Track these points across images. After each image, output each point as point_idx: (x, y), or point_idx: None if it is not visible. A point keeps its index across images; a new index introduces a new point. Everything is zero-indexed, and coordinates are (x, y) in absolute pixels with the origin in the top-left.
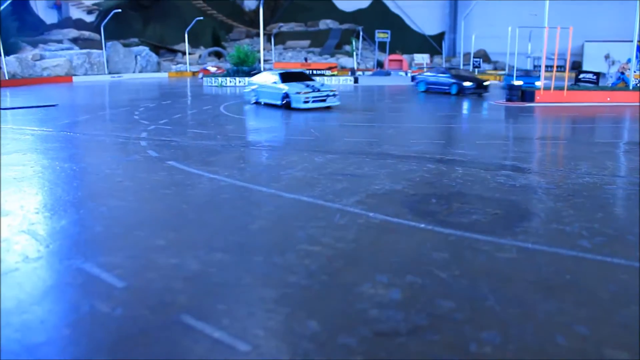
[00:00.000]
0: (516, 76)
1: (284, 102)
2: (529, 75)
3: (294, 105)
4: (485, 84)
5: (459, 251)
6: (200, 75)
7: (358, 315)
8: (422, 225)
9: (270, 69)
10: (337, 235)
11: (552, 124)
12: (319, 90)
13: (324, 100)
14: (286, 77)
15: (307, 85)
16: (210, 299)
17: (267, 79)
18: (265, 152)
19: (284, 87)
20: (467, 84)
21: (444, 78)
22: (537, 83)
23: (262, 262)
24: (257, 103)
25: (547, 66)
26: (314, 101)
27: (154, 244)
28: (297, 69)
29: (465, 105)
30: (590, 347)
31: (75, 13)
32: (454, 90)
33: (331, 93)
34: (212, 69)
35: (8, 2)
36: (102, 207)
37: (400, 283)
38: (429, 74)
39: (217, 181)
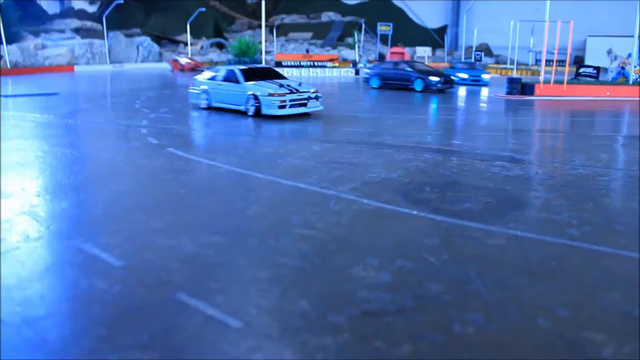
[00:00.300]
0: (460, 69)
1: (250, 107)
2: (473, 68)
3: (265, 111)
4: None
5: (449, 237)
6: (170, 68)
7: (348, 296)
8: (415, 212)
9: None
10: (331, 220)
11: (549, 116)
12: (297, 92)
13: (304, 105)
14: (250, 73)
15: (282, 85)
16: (205, 278)
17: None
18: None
19: (250, 88)
20: (433, 79)
21: (405, 72)
22: (484, 76)
23: (257, 244)
24: (209, 108)
25: (548, 60)
26: (292, 106)
27: (152, 226)
28: (296, 60)
29: (465, 98)
30: (570, 329)
31: (78, 3)
32: (418, 86)
33: (312, 95)
34: (184, 61)
35: None
36: (102, 191)
37: (390, 267)
38: (386, 66)
39: (215, 167)
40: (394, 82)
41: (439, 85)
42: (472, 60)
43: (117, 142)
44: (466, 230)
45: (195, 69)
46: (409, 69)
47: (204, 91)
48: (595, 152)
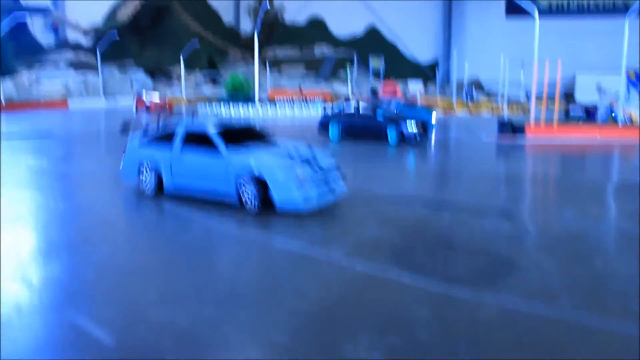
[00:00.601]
0: (398, 109)
1: (249, 196)
2: (412, 106)
3: (282, 203)
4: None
5: (441, 310)
6: (135, 108)
7: None
8: (406, 279)
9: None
10: (323, 289)
11: (540, 163)
12: (319, 168)
13: (332, 190)
14: (228, 135)
15: (291, 156)
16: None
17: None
18: None
19: (242, 161)
20: (411, 126)
21: (372, 118)
22: (433, 118)
23: (249, 317)
24: (158, 193)
25: (538, 98)
26: (319, 193)
27: (145, 296)
28: (289, 96)
29: (453, 150)
30: None
31: (72, 36)
32: (391, 137)
33: (334, 169)
34: (150, 100)
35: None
36: (95, 252)
37: (381, 345)
38: (352, 108)
39: (208, 224)
40: (360, 131)
41: (416, 135)
42: (464, 95)
43: (111, 192)
44: (458, 301)
45: (163, 111)
46: (376, 113)
47: (151, 160)
48: (587, 205)
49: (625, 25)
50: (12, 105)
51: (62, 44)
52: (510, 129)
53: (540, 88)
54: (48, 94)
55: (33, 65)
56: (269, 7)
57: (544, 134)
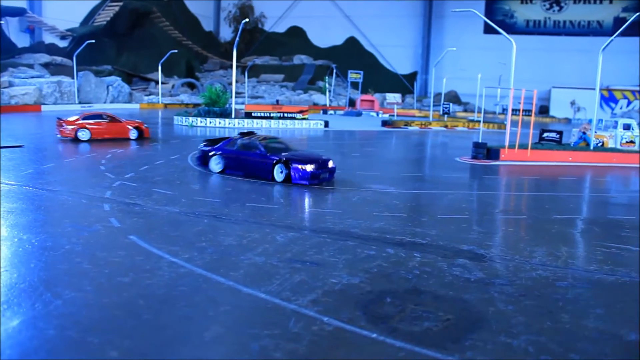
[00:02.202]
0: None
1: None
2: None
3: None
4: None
5: None
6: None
7: None
8: (374, 335)
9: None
10: (290, 348)
11: (514, 189)
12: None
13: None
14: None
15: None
16: None
17: None
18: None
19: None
20: (305, 167)
21: (255, 153)
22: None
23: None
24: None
25: (514, 109)
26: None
27: (107, 357)
28: (267, 111)
29: (430, 163)
30: None
31: (48, 38)
32: (278, 175)
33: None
34: (68, 127)
35: None
36: (58, 300)
37: None
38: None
39: (175, 267)
40: (244, 166)
41: (319, 175)
42: (441, 109)
43: (79, 222)
44: None
45: (77, 133)
46: (259, 149)
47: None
48: (555, 244)
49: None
50: None
51: (38, 46)
52: (486, 151)
53: (516, 107)
54: (21, 98)
55: (6, 68)
56: (248, 19)
57: (518, 158)
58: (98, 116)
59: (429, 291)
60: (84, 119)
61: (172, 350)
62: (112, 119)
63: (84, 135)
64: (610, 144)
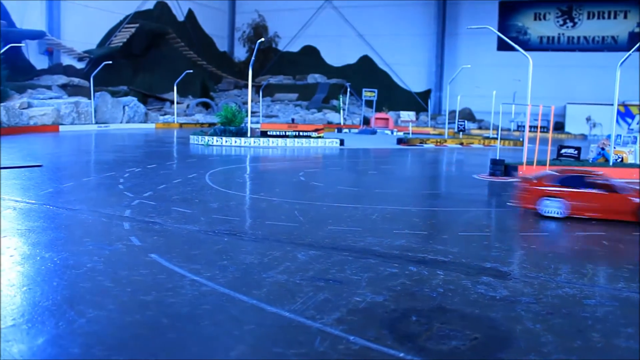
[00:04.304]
0: None
1: None
2: None
3: None
4: None
5: None
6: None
7: None
8: (402, 355)
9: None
10: None
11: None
12: None
13: None
14: None
15: None
16: None
17: None
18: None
19: None
20: None
21: None
22: None
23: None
24: None
25: (530, 139)
26: None
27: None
28: (282, 130)
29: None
30: None
31: (66, 60)
32: None
33: None
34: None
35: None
36: (82, 319)
37: None
38: None
39: (197, 285)
40: None
41: None
42: (455, 127)
43: (100, 241)
44: None
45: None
46: None
47: None
48: (580, 261)
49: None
50: (1, 130)
51: (56, 68)
52: (503, 168)
53: (532, 123)
54: (39, 119)
55: (25, 89)
56: (263, 39)
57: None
58: (584, 181)
59: (454, 309)
60: (559, 181)
61: None
62: (608, 187)
63: (554, 208)
64: (629, 159)
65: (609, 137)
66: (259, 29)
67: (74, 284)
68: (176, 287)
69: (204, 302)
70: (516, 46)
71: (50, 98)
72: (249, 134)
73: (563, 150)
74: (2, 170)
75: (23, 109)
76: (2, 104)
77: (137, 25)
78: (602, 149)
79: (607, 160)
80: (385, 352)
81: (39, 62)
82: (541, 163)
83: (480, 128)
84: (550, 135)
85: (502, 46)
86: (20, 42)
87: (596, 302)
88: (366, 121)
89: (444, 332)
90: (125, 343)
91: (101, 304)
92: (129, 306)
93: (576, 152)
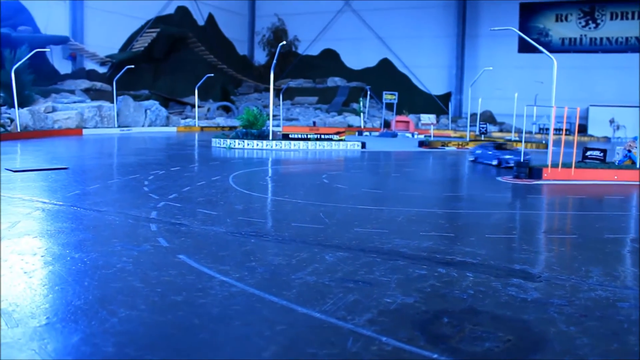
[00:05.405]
0: None
1: None
2: None
3: None
4: None
5: None
6: None
7: None
8: (435, 356)
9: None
10: None
11: (560, 209)
12: None
13: None
14: None
15: None
16: None
17: None
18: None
19: None
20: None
21: None
22: None
23: None
24: None
25: (555, 141)
26: None
27: None
28: (304, 133)
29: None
30: None
31: (89, 64)
32: None
33: None
34: None
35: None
36: (114, 318)
37: None
38: None
39: (227, 286)
40: None
41: None
42: (477, 129)
43: (128, 242)
44: None
45: None
46: None
47: None
48: (611, 263)
49: None
50: (27, 134)
51: (79, 72)
52: (527, 170)
53: (558, 125)
54: (63, 122)
55: (49, 94)
56: (284, 42)
57: (561, 177)
58: None
59: (486, 311)
60: None
61: None
62: None
63: None
64: None
65: (635, 139)
66: (278, 33)
67: (105, 284)
68: (206, 287)
69: (234, 303)
70: (541, 48)
71: (74, 102)
72: (270, 137)
73: (588, 153)
74: (30, 172)
75: (48, 112)
76: (27, 107)
77: (158, 29)
78: (629, 151)
79: (633, 163)
80: (419, 353)
81: (63, 66)
82: (566, 165)
83: (501, 131)
84: (575, 137)
85: (523, 48)
86: (45, 48)
87: (630, 305)
88: (386, 124)
89: (476, 333)
90: (157, 343)
91: (132, 304)
92: (160, 306)
93: (602, 154)
